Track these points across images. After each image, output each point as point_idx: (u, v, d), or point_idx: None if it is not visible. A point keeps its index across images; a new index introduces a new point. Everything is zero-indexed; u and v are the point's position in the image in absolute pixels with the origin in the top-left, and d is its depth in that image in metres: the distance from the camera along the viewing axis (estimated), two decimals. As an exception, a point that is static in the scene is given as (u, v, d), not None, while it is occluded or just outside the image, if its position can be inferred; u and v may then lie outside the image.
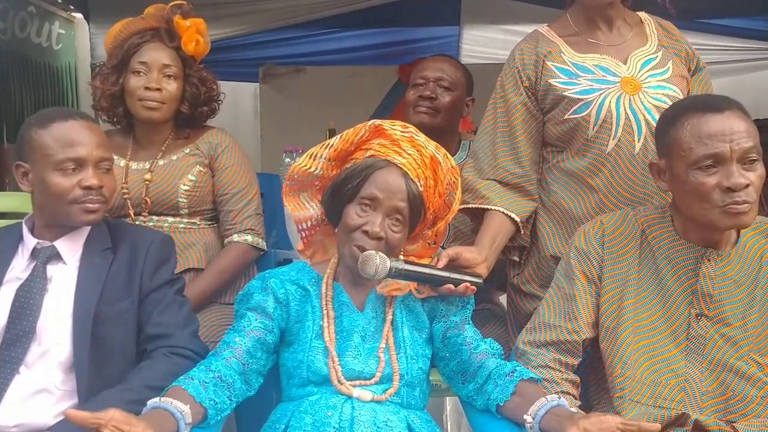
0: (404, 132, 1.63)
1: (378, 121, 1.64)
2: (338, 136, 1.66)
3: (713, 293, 1.61)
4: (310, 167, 1.67)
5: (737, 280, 1.61)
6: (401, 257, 1.62)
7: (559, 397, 1.50)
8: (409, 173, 1.60)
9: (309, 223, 1.75)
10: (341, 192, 1.62)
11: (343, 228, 1.62)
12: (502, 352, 1.65)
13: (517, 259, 2.04)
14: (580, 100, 1.87)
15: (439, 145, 1.67)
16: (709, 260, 1.61)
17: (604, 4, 1.91)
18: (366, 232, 1.57)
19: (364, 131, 1.64)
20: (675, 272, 1.63)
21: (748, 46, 4.97)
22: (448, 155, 1.67)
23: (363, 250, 1.57)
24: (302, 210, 1.73)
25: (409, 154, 1.60)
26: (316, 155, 1.67)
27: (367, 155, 1.62)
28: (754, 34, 4.89)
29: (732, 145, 1.51)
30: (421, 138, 1.64)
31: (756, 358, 1.58)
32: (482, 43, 5.07)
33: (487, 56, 4.98)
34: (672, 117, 1.61)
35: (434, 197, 1.65)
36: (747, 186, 1.51)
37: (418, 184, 1.61)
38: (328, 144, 1.66)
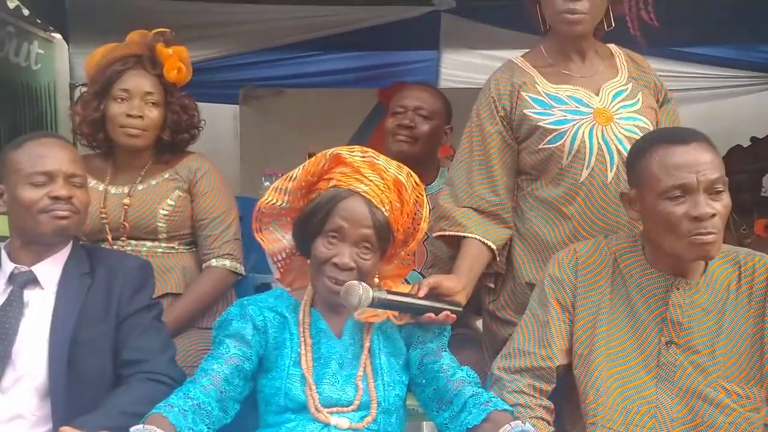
0: (364, 157, 1.64)
1: (338, 150, 1.65)
2: (299, 168, 1.67)
3: (682, 321, 1.64)
4: (276, 201, 1.68)
5: (706, 308, 1.65)
6: (382, 286, 1.63)
7: (525, 423, 1.49)
8: (373, 200, 1.60)
9: (283, 254, 1.76)
10: (308, 226, 1.63)
11: (314, 261, 1.63)
12: (479, 380, 1.66)
13: (492, 285, 2.06)
14: (555, 130, 1.91)
15: (401, 165, 1.68)
16: (678, 289, 1.65)
17: (576, 35, 1.95)
18: (336, 264, 1.59)
19: (324, 161, 1.65)
20: (646, 300, 1.67)
21: (720, 74, 5.07)
22: (411, 173, 1.68)
23: (337, 283, 1.58)
24: (275, 243, 1.74)
25: (371, 181, 1.61)
26: (280, 189, 1.68)
27: (330, 185, 1.63)
28: (726, 62, 4.99)
29: (698, 176, 1.55)
30: (381, 161, 1.65)
31: (725, 385, 1.61)
32: (461, 68, 5.11)
33: (465, 80, 5.02)
34: (641, 149, 1.66)
35: (402, 218, 1.66)
36: (713, 216, 1.55)
37: (383, 209, 1.61)
38: (290, 176, 1.67)
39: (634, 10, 1.95)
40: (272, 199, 1.68)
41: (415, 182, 1.68)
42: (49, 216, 1.68)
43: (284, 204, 1.69)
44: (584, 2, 1.87)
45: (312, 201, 1.65)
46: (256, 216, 1.72)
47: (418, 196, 1.68)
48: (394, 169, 1.65)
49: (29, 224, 1.70)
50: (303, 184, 1.67)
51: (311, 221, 1.62)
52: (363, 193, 1.60)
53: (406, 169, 1.68)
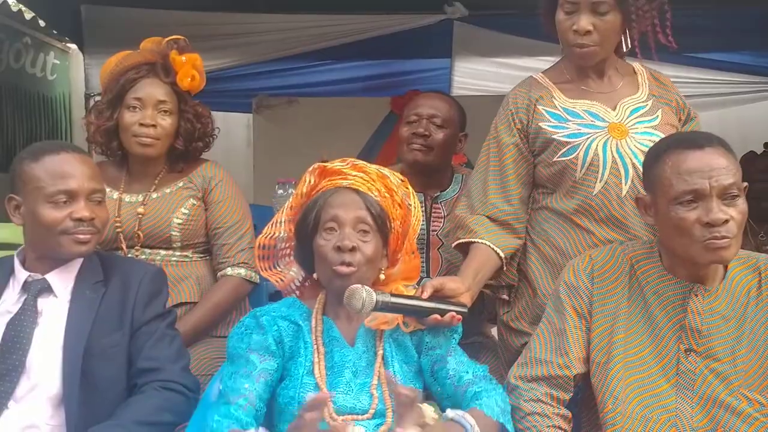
0: (344, 163, 1.70)
1: (319, 164, 1.71)
2: (292, 196, 1.74)
3: (701, 328, 1.62)
4: (275, 233, 1.73)
5: (725, 315, 1.63)
6: (386, 291, 1.63)
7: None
8: (360, 188, 1.65)
9: (296, 284, 1.78)
10: (305, 230, 1.66)
11: (319, 258, 1.65)
12: (487, 371, 1.65)
13: (506, 297, 2.06)
14: (568, 143, 1.92)
15: (381, 166, 1.74)
16: (696, 295, 1.63)
17: (591, 64, 1.97)
18: (338, 248, 1.60)
19: (310, 178, 1.71)
20: (663, 307, 1.65)
21: (734, 80, 5.04)
22: (395, 173, 1.73)
23: (343, 264, 1.59)
24: (282, 276, 1.77)
25: (354, 176, 1.67)
26: (277, 222, 1.73)
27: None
28: (740, 68, 4.97)
29: (711, 182, 1.54)
30: (361, 162, 1.71)
31: (746, 393, 1.59)
32: (473, 76, 5.12)
33: (478, 88, 5.03)
34: (655, 153, 1.65)
35: (394, 208, 1.69)
36: (727, 221, 1.53)
37: (372, 194, 1.66)
38: (285, 208, 1.73)
39: (651, 34, 1.95)
40: (271, 233, 1.73)
41: (400, 179, 1.73)
42: (71, 239, 1.68)
43: (282, 234, 1.73)
44: (593, 36, 1.89)
45: (303, 208, 1.69)
46: (259, 255, 1.76)
47: (405, 190, 1.72)
48: (374, 167, 1.71)
49: (49, 243, 1.70)
50: (298, 207, 1.72)
51: (306, 223, 1.66)
52: (349, 186, 1.66)
53: (388, 169, 1.73)
